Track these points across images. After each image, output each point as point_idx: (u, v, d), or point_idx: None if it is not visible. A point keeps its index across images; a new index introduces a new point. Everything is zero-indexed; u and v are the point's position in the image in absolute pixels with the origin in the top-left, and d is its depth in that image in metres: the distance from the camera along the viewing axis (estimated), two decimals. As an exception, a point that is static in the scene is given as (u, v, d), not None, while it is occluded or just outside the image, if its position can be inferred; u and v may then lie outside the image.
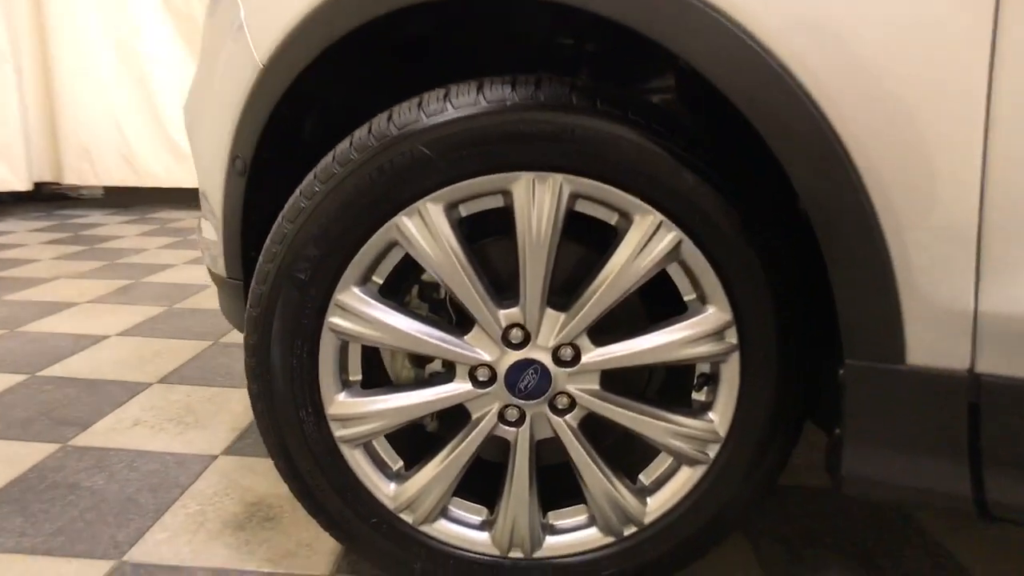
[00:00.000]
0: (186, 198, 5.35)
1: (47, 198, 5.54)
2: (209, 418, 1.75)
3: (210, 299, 2.86)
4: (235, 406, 1.83)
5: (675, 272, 0.99)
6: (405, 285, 1.08)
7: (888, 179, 0.73)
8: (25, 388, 1.90)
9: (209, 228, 1.33)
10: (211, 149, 1.22)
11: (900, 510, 1.43)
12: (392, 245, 0.98)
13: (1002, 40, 0.68)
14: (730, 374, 1.00)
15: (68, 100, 5.11)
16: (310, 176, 0.97)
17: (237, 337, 2.39)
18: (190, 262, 3.54)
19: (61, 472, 1.47)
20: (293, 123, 1.18)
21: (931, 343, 0.76)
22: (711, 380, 1.04)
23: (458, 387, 1.02)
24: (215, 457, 1.56)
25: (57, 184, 5.38)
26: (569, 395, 1.02)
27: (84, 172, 5.23)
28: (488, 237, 1.08)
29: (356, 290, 0.98)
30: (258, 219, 1.19)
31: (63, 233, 4.29)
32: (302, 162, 1.20)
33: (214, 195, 1.22)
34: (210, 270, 1.39)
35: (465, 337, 1.01)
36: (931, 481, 0.81)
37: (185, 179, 5.29)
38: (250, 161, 1.13)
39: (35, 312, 2.61)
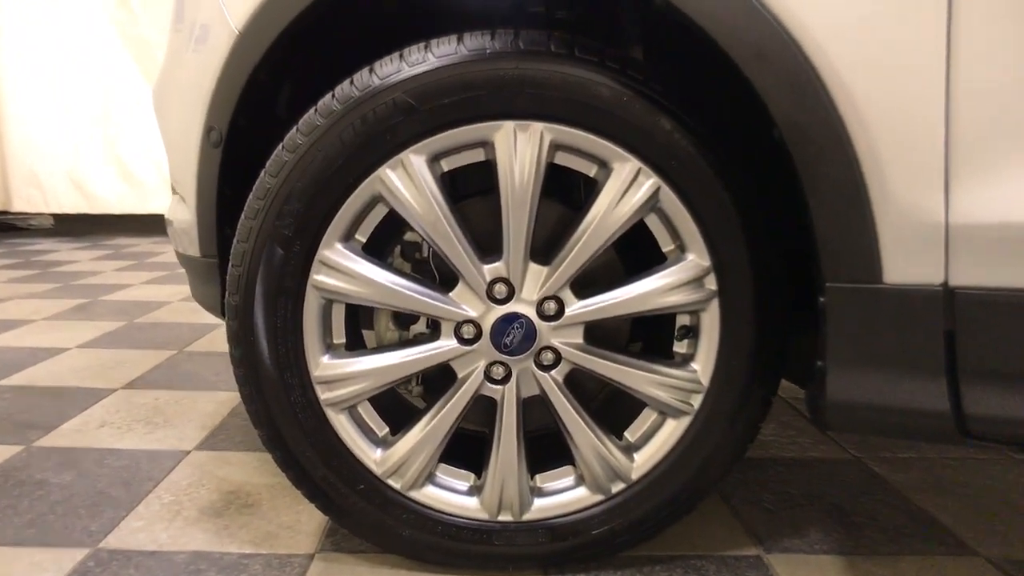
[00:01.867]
0: (141, 226, 5.25)
1: (-6, 228, 5.39)
2: (178, 418, 1.71)
3: (172, 314, 2.80)
4: (205, 406, 1.78)
5: (653, 224, 1.01)
6: (387, 246, 1.08)
7: (859, 99, 0.77)
8: (-19, 398, 1.83)
9: (181, 209, 1.31)
10: (184, 123, 1.21)
11: (874, 474, 1.46)
12: (375, 201, 0.98)
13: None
14: (710, 323, 1.02)
15: (16, 124, 5.00)
16: (292, 130, 0.97)
17: (202, 346, 2.34)
18: (149, 282, 3.46)
19: (27, 470, 1.42)
20: (268, 96, 1.18)
21: (906, 261, 0.80)
22: (692, 332, 1.05)
23: (444, 344, 1.02)
24: (187, 452, 1.51)
25: (5, 212, 5.23)
26: (554, 350, 1.03)
27: (33, 199, 5.10)
28: (468, 199, 1.09)
29: (340, 246, 0.98)
30: (232, 199, 1.18)
31: (13, 259, 4.17)
32: (278, 140, 1.21)
33: (187, 171, 1.21)
34: (181, 254, 1.37)
35: (450, 294, 1.01)
36: (912, 399, 0.83)
37: (139, 206, 5.19)
38: (226, 132, 1.12)
39: (-13, 330, 2.52)
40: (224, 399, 1.83)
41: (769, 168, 0.97)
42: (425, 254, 1.10)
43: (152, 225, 5.11)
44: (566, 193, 1.11)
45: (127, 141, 5.14)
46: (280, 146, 0.97)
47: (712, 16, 0.82)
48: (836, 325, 0.84)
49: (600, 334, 1.08)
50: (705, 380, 1.04)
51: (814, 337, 0.97)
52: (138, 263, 4.07)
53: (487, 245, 1.01)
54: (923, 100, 0.76)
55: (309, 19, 1.02)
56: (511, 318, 1.01)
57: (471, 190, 1.10)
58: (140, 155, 5.15)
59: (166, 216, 1.47)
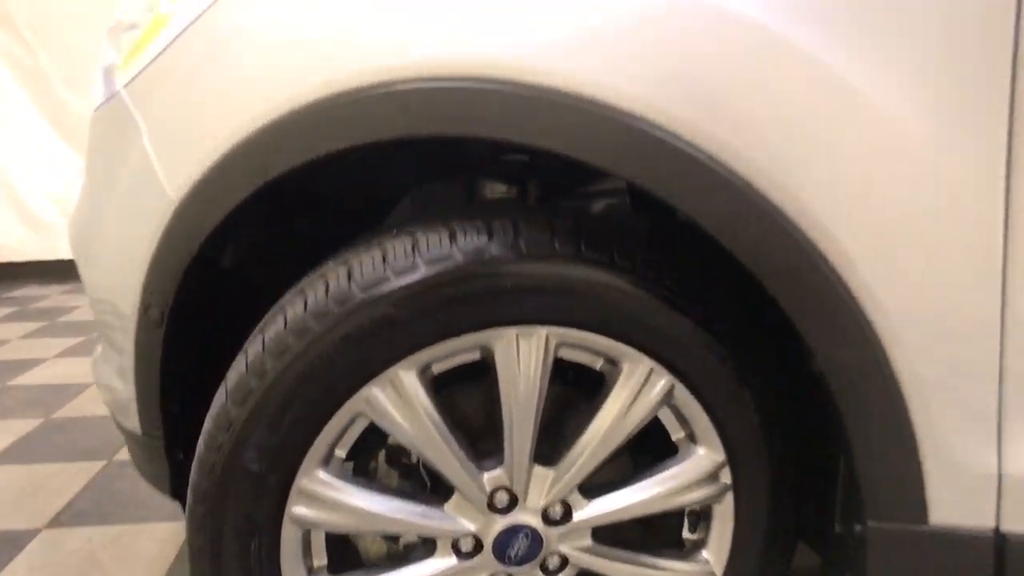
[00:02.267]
0: (48, 273, 4.86)
1: None
2: (117, 568, 1.53)
3: (94, 402, 2.56)
4: (147, 545, 1.61)
5: (664, 415, 0.93)
6: (370, 451, 0.97)
7: (907, 341, 0.71)
8: None
9: (111, 372, 1.15)
10: (115, 287, 1.05)
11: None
12: (358, 416, 0.86)
13: (1016, 195, 0.67)
14: (723, 512, 0.96)
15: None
16: (256, 348, 0.83)
17: (133, 452, 2.14)
18: (64, 353, 3.18)
19: (-61, 678, 1.23)
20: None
21: (955, 503, 0.74)
22: (703, 517, 0.99)
23: (441, 563, 0.91)
24: (132, 626, 1.35)
25: None
26: (561, 555, 0.94)
27: (-81, 250, 4.66)
28: (460, 381, 0.98)
29: (321, 473, 0.86)
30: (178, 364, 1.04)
31: (-98, 326, 3.77)
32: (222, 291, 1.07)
33: (122, 341, 1.05)
34: (118, 422, 1.20)
35: (445, 506, 0.90)
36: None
37: (44, 251, 4.82)
38: (168, 311, 0.98)
39: None
40: (166, 535, 1.66)
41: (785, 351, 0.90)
42: (414, 460, 0.99)
43: (61, 272, 4.73)
44: (567, 374, 1.02)
45: (26, 182, 4.76)
46: (243, 367, 0.84)
47: (733, 234, 0.74)
48: (877, 562, 0.78)
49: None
50: (719, 572, 0.97)
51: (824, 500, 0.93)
52: (49, 324, 3.74)
53: (481, 437, 0.91)
54: (976, 347, 0.70)
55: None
56: (515, 530, 0.91)
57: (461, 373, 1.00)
58: (41, 195, 4.79)
59: (92, 370, 1.29)
